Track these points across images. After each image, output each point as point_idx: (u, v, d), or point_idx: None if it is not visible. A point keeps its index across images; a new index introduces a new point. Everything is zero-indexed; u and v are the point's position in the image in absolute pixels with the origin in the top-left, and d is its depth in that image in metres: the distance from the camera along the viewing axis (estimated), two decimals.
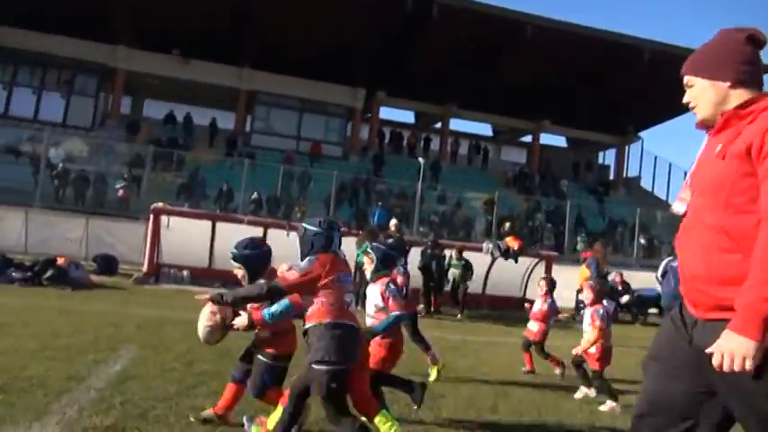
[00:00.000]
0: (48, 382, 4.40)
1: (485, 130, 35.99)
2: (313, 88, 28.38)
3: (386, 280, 4.38)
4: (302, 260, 3.50)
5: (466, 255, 13.71)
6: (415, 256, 13.00)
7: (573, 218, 25.33)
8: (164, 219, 12.48)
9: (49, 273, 10.05)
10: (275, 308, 3.56)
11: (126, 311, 8.32)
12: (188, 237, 12.69)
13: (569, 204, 25.16)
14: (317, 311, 3.38)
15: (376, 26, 25.25)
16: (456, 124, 33.15)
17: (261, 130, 29.28)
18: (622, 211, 28.82)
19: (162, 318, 8.11)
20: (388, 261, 4.68)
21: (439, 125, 33.08)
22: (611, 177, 34.67)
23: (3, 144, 22.26)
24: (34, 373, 4.58)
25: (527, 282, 14.91)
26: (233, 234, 13.85)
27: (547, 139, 34.46)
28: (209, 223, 12.97)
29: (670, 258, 11.73)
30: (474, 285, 13.88)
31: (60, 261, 10.43)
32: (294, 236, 13.92)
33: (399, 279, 5.53)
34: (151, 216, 12.44)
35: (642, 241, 24.49)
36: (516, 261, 13.55)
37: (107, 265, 12.21)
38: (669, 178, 31.38)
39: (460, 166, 32.11)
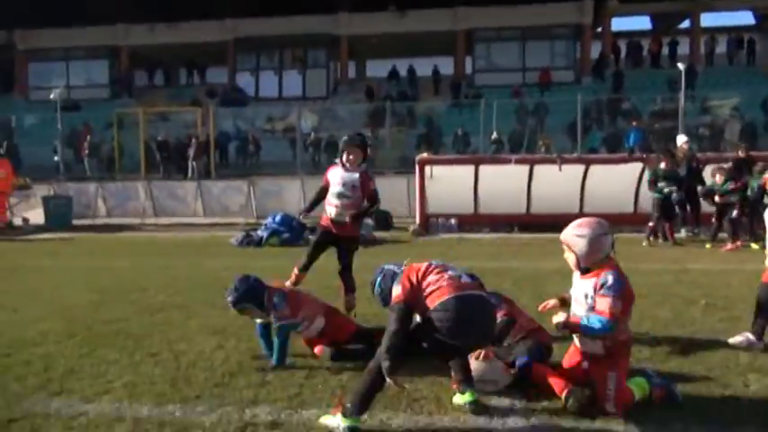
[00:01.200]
0: None
1: (745, 18, 30.06)
2: (533, 12, 26.31)
3: None
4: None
5: None
6: None
7: None
8: (427, 169, 12.28)
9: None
10: None
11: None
12: (451, 185, 12.34)
13: None
14: None
15: None
16: (707, 19, 28.17)
17: (483, 69, 28.20)
18: None
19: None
20: None
21: (685, 24, 28.43)
22: None
23: (259, 126, 24.67)
24: None
25: None
26: (498, 176, 13.45)
27: None
28: (471, 168, 12.45)
29: None
30: None
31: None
32: (566, 168, 12.19)
33: None
34: (416, 168, 12.33)
35: None
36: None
37: (384, 220, 12.45)
38: None
39: (719, 67, 27.26)
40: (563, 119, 21.85)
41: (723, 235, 9.96)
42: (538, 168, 12.35)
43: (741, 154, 11.16)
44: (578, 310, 3.31)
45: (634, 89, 24.36)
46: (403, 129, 23.14)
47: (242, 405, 3.28)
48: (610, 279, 3.15)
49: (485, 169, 12.41)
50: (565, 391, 3.21)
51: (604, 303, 3.13)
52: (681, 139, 10.88)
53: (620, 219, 12.41)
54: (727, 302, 5.52)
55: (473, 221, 12.63)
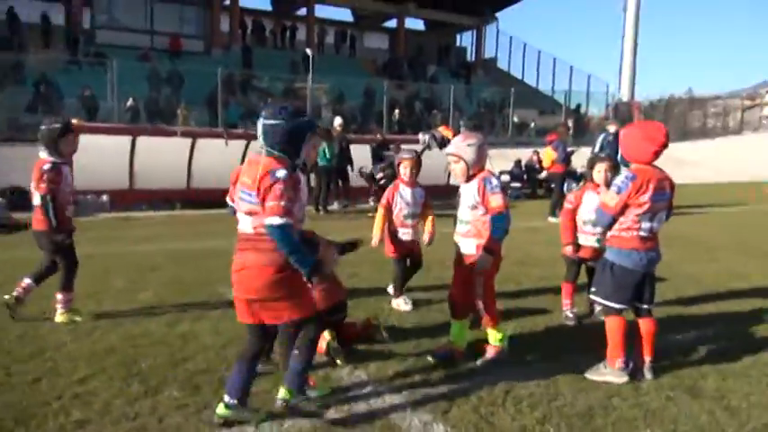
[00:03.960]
0: None
1: (345, 15, 34.78)
2: None
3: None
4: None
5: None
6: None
7: (449, 102, 26.16)
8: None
9: None
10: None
11: (114, 251, 7.19)
12: (103, 157, 11.11)
13: (441, 89, 25.86)
14: None
15: None
16: (320, 11, 31.54)
17: (105, 25, 25.43)
18: (485, 92, 30.40)
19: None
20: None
21: (302, 12, 31.25)
22: (469, 59, 35.88)
23: None
24: None
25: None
26: (158, 149, 12.39)
27: (408, 23, 34.28)
28: (127, 139, 11.43)
29: (605, 133, 12.96)
30: None
31: None
32: (235, 144, 12.81)
33: None
34: None
35: (515, 119, 26.20)
36: None
37: (21, 198, 10.30)
38: (524, 58, 33.31)
39: (328, 56, 31.00)
40: (197, 90, 21.66)
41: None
42: (201, 141, 12.18)
43: (379, 137, 13.33)
44: (465, 213, 3.88)
45: (261, 67, 25.74)
46: (7, 87, 19.21)
47: None
48: (493, 180, 3.77)
49: (143, 141, 11.58)
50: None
51: (498, 199, 3.71)
52: (336, 121, 12.27)
53: None
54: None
55: (129, 199, 11.69)
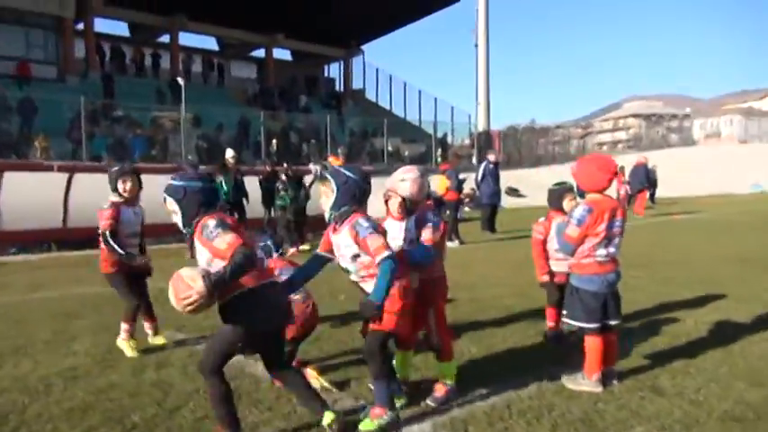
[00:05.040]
0: None
1: (211, 44, 33.94)
2: None
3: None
4: (337, 209, 3.37)
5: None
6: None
7: (324, 132, 26.46)
8: None
9: None
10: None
11: None
12: None
13: (315, 119, 26.10)
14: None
15: None
16: (183, 38, 30.49)
17: None
18: (355, 123, 31.24)
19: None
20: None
21: (164, 38, 29.99)
22: (338, 90, 36.66)
23: None
24: None
25: None
26: (28, 185, 10.98)
27: (275, 53, 34.28)
28: None
29: (486, 162, 13.92)
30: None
31: None
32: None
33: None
34: None
35: (390, 148, 27.16)
36: None
37: None
38: (391, 89, 34.74)
39: (196, 84, 30.00)
40: (53, 119, 19.88)
41: None
42: (79, 176, 11.23)
43: (268, 168, 13.18)
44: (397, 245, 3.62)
45: (124, 95, 24.24)
46: None
47: None
48: (429, 214, 3.79)
49: (12, 176, 10.45)
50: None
51: (428, 233, 3.69)
52: (229, 153, 11.93)
53: (167, 229, 12.69)
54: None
55: None
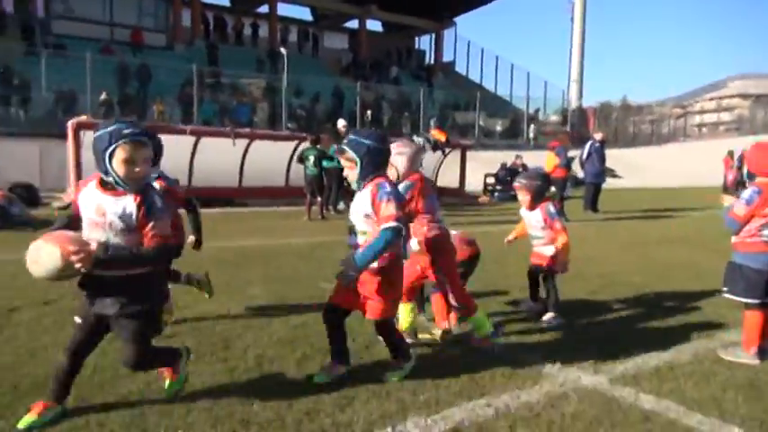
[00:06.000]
0: None
1: (305, 14, 34.63)
2: None
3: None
4: (363, 180, 3.28)
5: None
6: None
7: (415, 104, 26.62)
8: (82, 135, 10.32)
9: None
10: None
11: None
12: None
13: (407, 91, 26.20)
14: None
15: None
16: (281, 9, 31.25)
17: (61, 15, 24.26)
18: (444, 95, 31.12)
19: None
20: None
21: (263, 9, 30.88)
22: (428, 63, 36.55)
23: None
24: None
25: (438, 171, 15.86)
26: (170, 148, 11.90)
27: (367, 24, 34.53)
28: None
29: (592, 141, 13.68)
30: None
31: None
32: (241, 144, 12.98)
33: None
34: (70, 134, 10.17)
35: (481, 123, 26.98)
36: (444, 153, 14.26)
37: (29, 194, 9.83)
38: (482, 63, 34.30)
39: (292, 54, 30.74)
40: (163, 85, 21.09)
41: None
42: (205, 140, 12.00)
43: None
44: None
45: (225, 63, 25.29)
46: None
47: None
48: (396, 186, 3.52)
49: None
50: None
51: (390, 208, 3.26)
52: (341, 123, 12.34)
53: (276, 192, 13.33)
54: None
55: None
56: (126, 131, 2.59)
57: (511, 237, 5.13)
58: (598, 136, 13.89)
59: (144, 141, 2.65)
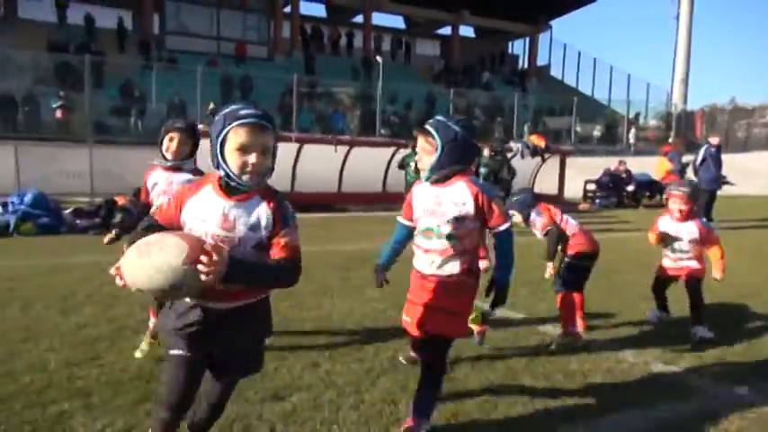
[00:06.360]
0: None
1: (398, 23, 35.06)
2: None
3: None
4: (439, 170, 2.74)
5: None
6: None
7: (508, 109, 26.18)
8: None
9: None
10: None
11: None
12: None
13: (499, 97, 25.83)
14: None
15: None
16: (374, 18, 31.83)
17: (174, 31, 26.02)
18: (539, 100, 30.37)
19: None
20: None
21: (358, 19, 31.59)
22: (521, 67, 35.90)
23: None
24: None
25: (535, 177, 15.51)
26: (282, 154, 12.61)
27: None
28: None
29: (707, 146, 12.91)
30: None
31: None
32: (341, 150, 13.08)
33: None
34: None
35: (578, 129, 26.12)
36: (543, 158, 13.96)
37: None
38: (579, 66, 33.22)
39: (386, 62, 31.23)
40: (263, 95, 22.03)
41: None
42: (307, 147, 12.42)
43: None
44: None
45: (322, 73, 26.07)
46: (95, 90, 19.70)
47: None
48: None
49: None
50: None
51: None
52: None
53: (373, 198, 13.53)
54: None
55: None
56: (242, 112, 2.02)
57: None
58: (714, 140, 13.05)
59: (264, 125, 2.06)
